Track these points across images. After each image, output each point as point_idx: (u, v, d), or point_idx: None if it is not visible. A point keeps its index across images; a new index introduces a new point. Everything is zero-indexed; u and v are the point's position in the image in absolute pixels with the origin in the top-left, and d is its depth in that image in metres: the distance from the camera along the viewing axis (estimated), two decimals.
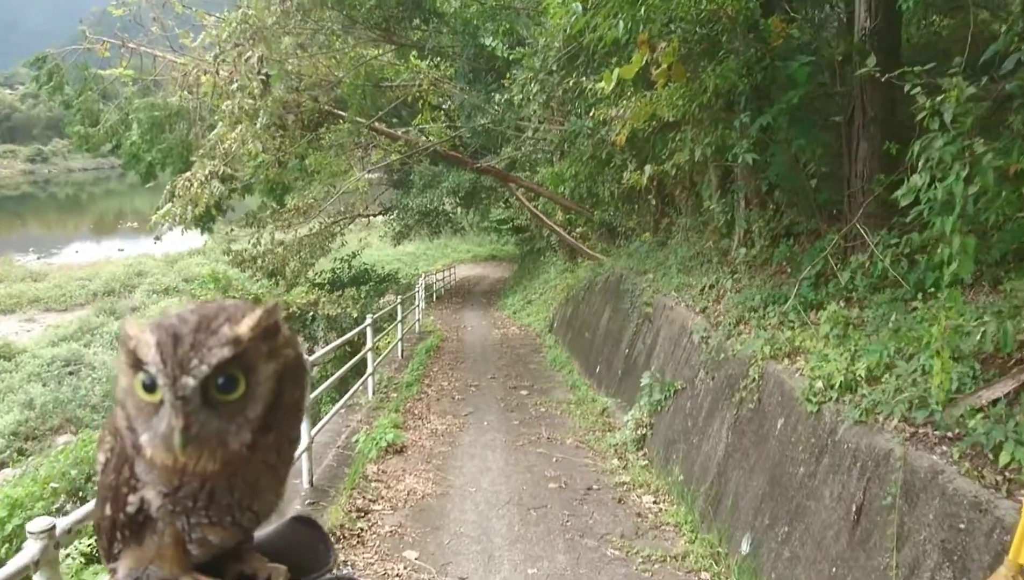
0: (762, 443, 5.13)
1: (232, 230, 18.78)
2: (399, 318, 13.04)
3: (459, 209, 28.16)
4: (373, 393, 9.73)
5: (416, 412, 9.35)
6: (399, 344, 13.09)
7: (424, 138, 14.43)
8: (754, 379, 5.46)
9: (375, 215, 27.10)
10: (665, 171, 6.22)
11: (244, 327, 0.65)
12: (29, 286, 39.29)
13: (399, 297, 17.02)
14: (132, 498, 0.67)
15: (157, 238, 9.63)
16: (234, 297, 17.57)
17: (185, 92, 12.23)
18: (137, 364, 0.64)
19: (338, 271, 26.18)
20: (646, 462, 7.23)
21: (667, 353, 7.84)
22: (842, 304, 5.48)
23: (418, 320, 16.40)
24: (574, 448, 7.96)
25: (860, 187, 5.86)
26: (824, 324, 5.21)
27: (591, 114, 7.05)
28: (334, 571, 0.78)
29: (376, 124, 14.57)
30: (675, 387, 7.15)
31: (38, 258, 45.45)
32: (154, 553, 0.69)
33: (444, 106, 14.55)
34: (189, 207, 9.77)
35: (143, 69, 14.86)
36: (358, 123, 14.12)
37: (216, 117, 10.48)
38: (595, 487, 6.73)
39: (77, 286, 41.12)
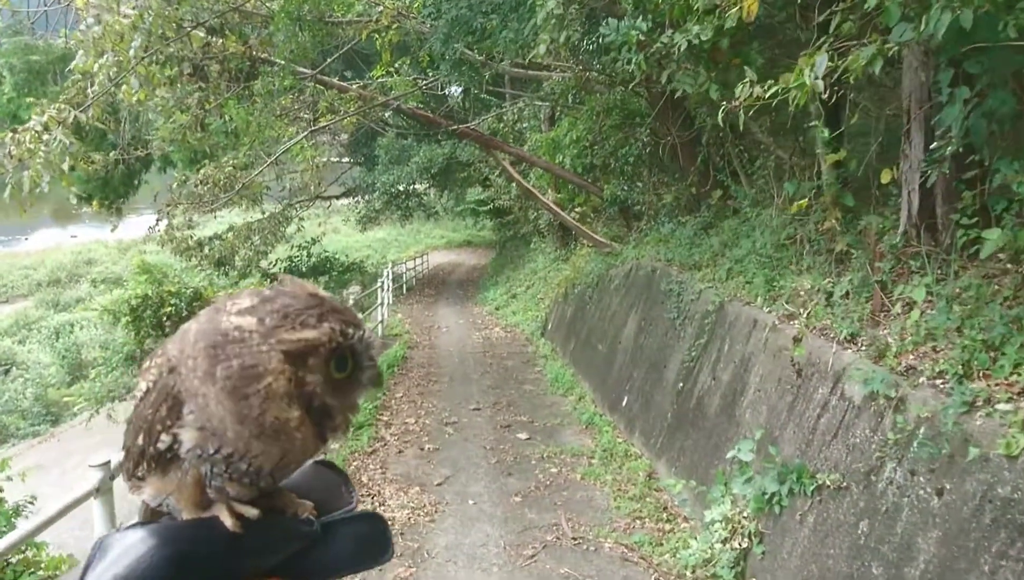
0: None
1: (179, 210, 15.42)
2: None
3: (432, 190, 24.67)
4: None
5: (365, 481, 5.96)
6: None
7: (383, 96, 10.92)
8: None
9: (337, 197, 23.46)
10: (848, 69, 2.88)
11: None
12: None
13: (362, 289, 13.74)
14: (165, 436, 0.64)
15: None
16: (170, 290, 14.19)
17: (78, 31, 8.58)
18: (329, 357, 0.63)
19: (295, 260, 22.63)
20: None
21: (775, 405, 4.54)
22: None
23: (381, 321, 12.94)
24: (620, 561, 4.64)
25: None
26: None
27: None
28: (357, 510, 0.76)
29: (323, 76, 11.03)
30: (815, 482, 3.84)
31: None
32: (174, 487, 0.68)
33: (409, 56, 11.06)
34: (26, 170, 6.25)
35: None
36: (298, 73, 10.57)
37: (72, 42, 6.96)
38: None
39: (20, 275, 37.05)
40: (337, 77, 11.81)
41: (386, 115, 21.11)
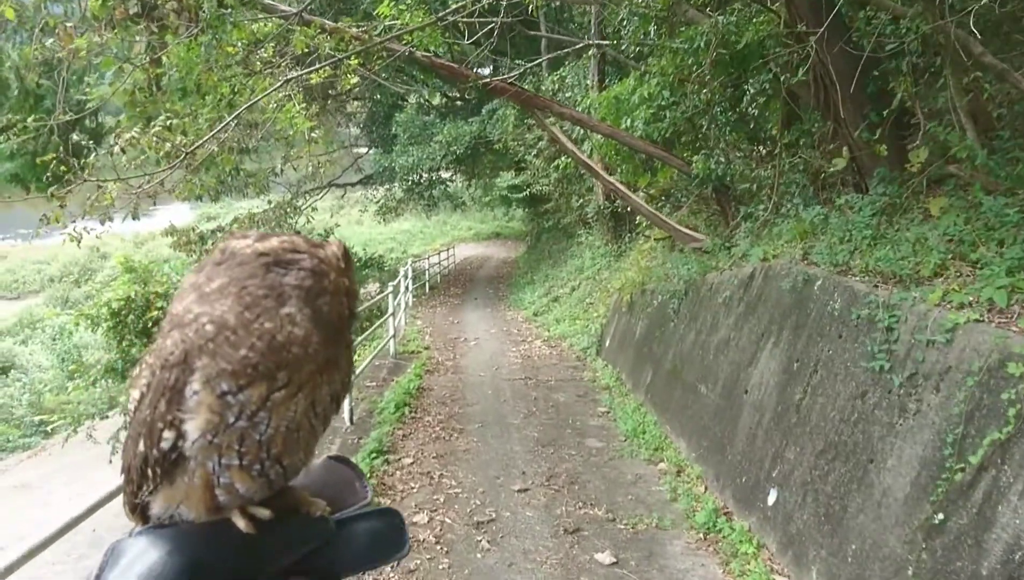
0: None
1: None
2: None
3: (457, 177, 21.65)
4: None
5: None
6: (347, 398, 6.76)
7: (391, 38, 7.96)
8: None
9: (352, 185, 20.61)
10: None
11: None
12: None
13: (380, 289, 10.95)
14: (167, 433, 0.59)
15: None
16: (157, 292, 11.74)
17: None
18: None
19: None
20: None
21: None
22: None
23: (393, 335, 9.99)
24: None
25: None
26: None
27: None
28: (371, 506, 0.72)
29: (309, 16, 8.09)
30: None
31: (2, 239, 38.87)
32: (183, 495, 0.62)
33: None
34: None
35: None
36: (276, 11, 7.66)
37: None
38: None
39: (32, 270, 34.86)
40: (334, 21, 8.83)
41: (402, 91, 18.22)
